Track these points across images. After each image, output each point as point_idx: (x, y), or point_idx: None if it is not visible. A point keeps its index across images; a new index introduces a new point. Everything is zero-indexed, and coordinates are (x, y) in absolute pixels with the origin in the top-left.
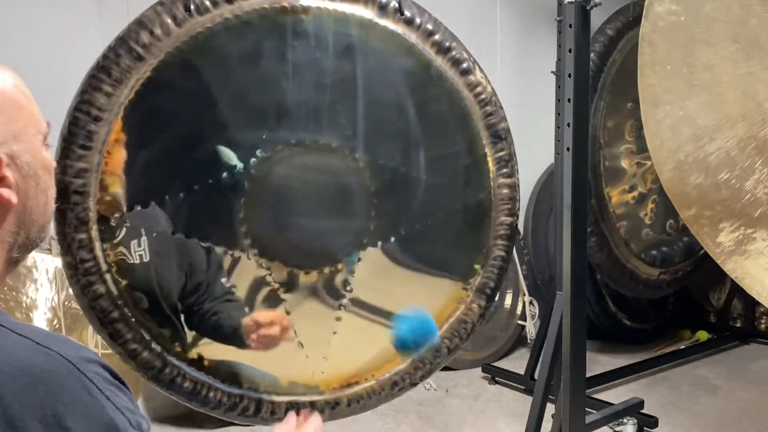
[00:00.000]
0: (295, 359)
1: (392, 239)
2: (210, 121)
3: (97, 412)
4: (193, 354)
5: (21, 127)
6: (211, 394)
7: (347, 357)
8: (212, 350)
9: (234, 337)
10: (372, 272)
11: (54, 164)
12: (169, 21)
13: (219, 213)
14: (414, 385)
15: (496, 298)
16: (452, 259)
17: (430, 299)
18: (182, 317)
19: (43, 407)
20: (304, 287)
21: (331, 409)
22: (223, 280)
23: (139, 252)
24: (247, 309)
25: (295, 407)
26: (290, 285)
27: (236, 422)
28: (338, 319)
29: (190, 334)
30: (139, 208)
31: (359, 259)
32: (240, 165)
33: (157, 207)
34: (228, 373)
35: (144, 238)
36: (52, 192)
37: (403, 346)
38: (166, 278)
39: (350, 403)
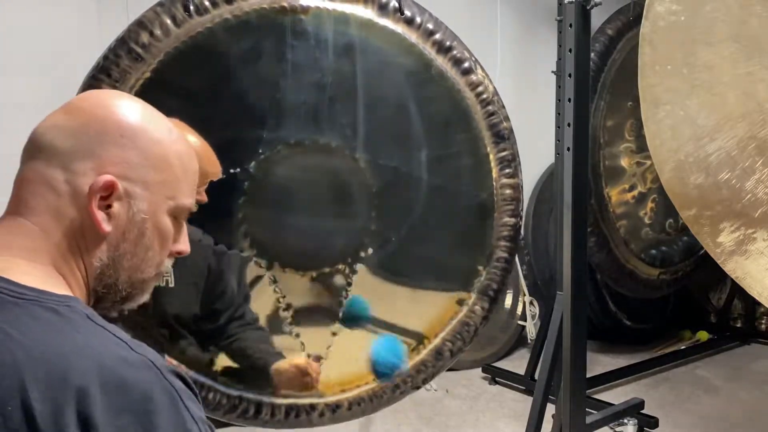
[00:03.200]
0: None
1: (390, 245)
2: (209, 121)
3: (179, 423)
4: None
5: (157, 181)
6: (211, 396)
7: (347, 359)
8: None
9: (260, 374)
10: (370, 279)
11: (170, 236)
12: (169, 21)
13: (218, 213)
14: (416, 388)
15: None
16: (454, 261)
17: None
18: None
19: (137, 403)
20: (303, 288)
21: (332, 413)
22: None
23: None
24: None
25: (295, 410)
26: (290, 286)
27: (235, 423)
28: (338, 320)
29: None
30: None
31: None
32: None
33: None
34: (228, 374)
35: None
36: (154, 258)
37: (372, 370)
38: (183, 296)
39: (351, 407)
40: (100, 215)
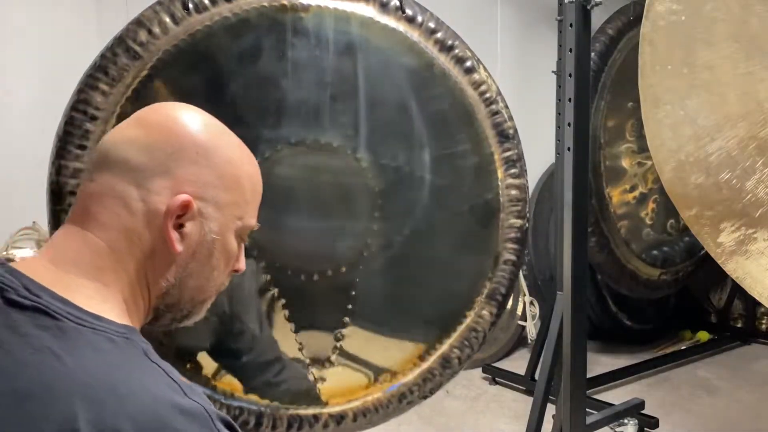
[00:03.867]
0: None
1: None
2: None
3: None
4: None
5: (227, 202)
6: None
7: (352, 367)
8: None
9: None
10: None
11: (235, 257)
12: (168, 20)
13: None
14: (424, 398)
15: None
16: (460, 263)
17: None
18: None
19: None
20: (305, 290)
21: (337, 424)
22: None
23: None
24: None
25: (298, 421)
26: (292, 289)
27: None
28: (342, 326)
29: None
30: None
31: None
32: None
33: None
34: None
35: None
36: (219, 278)
37: None
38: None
39: (356, 417)
40: (175, 235)
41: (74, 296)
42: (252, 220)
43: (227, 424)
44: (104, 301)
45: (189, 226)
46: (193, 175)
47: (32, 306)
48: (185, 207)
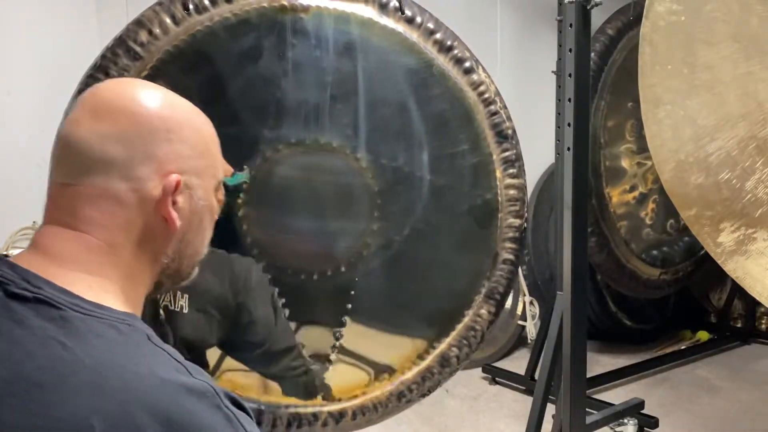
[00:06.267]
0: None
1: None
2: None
3: None
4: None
5: (203, 166)
6: None
7: (351, 365)
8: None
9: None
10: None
11: (217, 213)
12: (168, 20)
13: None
14: (423, 396)
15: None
16: (458, 262)
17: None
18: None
19: (192, 427)
20: (304, 289)
21: (336, 422)
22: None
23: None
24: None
25: (297, 419)
26: (291, 287)
27: None
28: (342, 325)
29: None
30: None
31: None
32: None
33: None
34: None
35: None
36: (208, 236)
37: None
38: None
39: (355, 416)
40: (174, 214)
41: (74, 287)
42: (221, 172)
43: (233, 401)
44: (104, 291)
45: (181, 201)
46: (171, 153)
47: (34, 298)
48: (177, 187)
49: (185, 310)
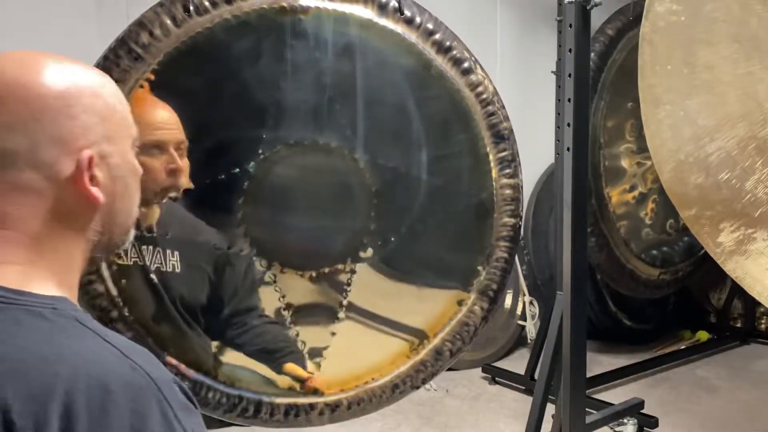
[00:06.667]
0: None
1: (390, 245)
2: (208, 121)
3: None
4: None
5: (113, 130)
6: (210, 395)
7: (346, 358)
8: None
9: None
10: (369, 279)
11: (141, 170)
12: (169, 22)
13: (218, 213)
14: (416, 388)
15: (499, 301)
16: (454, 261)
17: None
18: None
19: (124, 418)
20: (303, 287)
21: (332, 412)
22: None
23: (172, 261)
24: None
25: (294, 409)
26: (289, 285)
27: (236, 423)
28: (337, 320)
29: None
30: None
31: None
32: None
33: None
34: (228, 373)
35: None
36: (137, 197)
37: None
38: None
39: (350, 406)
40: (94, 190)
41: None
42: (134, 127)
43: (178, 386)
44: (30, 278)
45: (100, 175)
46: (76, 128)
47: None
48: (90, 162)
49: (178, 269)
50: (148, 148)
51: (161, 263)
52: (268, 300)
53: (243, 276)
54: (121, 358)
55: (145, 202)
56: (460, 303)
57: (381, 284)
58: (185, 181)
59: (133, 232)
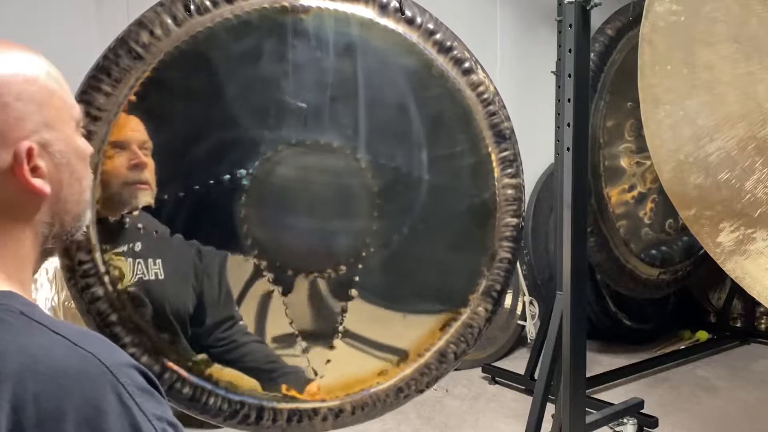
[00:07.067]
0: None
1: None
2: (209, 121)
3: (127, 420)
4: (193, 359)
5: (53, 115)
6: (212, 401)
7: (350, 362)
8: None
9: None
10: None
11: (90, 150)
12: (169, 21)
13: (219, 213)
14: (420, 392)
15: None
16: (456, 261)
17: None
18: (189, 333)
19: (78, 410)
20: (305, 289)
21: (335, 417)
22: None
23: (154, 270)
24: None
25: (297, 415)
26: (291, 287)
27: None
28: (341, 323)
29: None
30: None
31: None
32: None
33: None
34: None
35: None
36: (88, 180)
37: None
38: (178, 295)
39: (354, 411)
40: (37, 182)
41: None
42: (77, 107)
43: (138, 371)
44: None
45: (41, 164)
46: (10, 119)
47: None
48: (30, 153)
49: (161, 276)
50: (111, 147)
51: (143, 272)
52: (269, 301)
53: (218, 286)
54: (71, 348)
55: (111, 197)
56: (463, 305)
57: (383, 284)
58: (150, 177)
59: (87, 218)
